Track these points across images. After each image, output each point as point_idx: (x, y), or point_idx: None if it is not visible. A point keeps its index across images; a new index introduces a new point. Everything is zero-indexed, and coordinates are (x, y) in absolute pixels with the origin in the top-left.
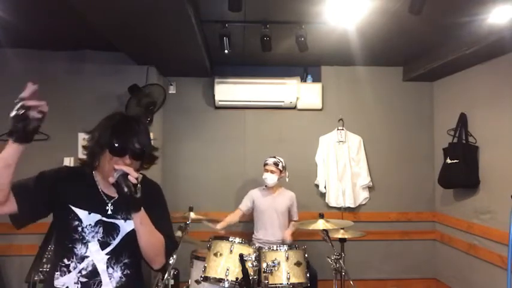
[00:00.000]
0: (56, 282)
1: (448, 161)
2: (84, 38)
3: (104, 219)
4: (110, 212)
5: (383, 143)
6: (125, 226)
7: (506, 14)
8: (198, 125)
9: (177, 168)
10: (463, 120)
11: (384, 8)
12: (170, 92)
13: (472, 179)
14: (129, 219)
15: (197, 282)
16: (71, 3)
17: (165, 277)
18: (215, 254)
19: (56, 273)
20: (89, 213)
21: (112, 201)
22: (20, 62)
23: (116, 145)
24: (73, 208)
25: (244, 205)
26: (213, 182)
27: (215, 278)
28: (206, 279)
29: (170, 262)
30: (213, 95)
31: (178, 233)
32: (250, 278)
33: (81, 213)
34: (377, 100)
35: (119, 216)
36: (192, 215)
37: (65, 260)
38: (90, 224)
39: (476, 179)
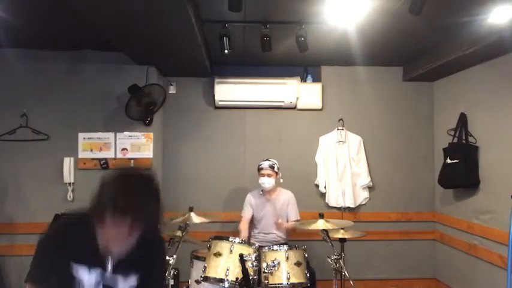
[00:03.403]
0: None
1: (448, 161)
2: (84, 38)
3: (105, 275)
4: (109, 268)
5: (383, 143)
6: (124, 284)
7: (506, 14)
8: (198, 125)
9: (177, 168)
10: (463, 120)
11: (384, 8)
12: (170, 92)
13: (472, 179)
14: (128, 276)
15: (197, 282)
16: (71, 3)
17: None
18: (215, 254)
19: None
20: (89, 272)
21: (111, 258)
22: (20, 62)
23: (116, 210)
24: (74, 273)
25: (247, 213)
26: (213, 182)
27: (215, 278)
28: (206, 279)
29: (170, 262)
30: (213, 95)
31: (178, 233)
32: (250, 278)
33: (82, 273)
34: (377, 100)
35: (119, 274)
36: (192, 215)
37: None
38: (91, 285)
39: (476, 179)
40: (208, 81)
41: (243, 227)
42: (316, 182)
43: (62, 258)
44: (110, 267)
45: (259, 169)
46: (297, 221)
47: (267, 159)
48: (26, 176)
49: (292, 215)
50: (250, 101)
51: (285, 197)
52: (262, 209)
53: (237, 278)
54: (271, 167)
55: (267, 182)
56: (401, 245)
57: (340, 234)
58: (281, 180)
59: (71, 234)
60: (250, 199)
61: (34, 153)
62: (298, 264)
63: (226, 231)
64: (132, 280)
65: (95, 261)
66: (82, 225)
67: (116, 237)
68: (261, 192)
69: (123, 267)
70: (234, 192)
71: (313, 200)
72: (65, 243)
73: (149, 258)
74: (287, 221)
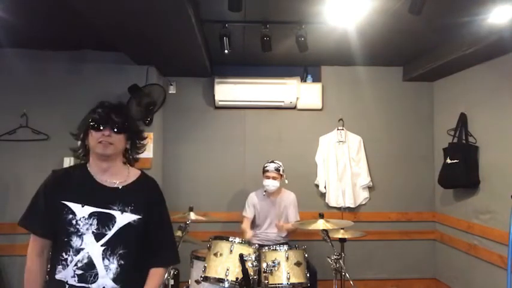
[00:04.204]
0: (58, 276)
1: (448, 161)
2: (84, 38)
3: (99, 210)
4: (104, 202)
5: (383, 143)
6: (121, 218)
7: (506, 14)
8: (198, 125)
9: (177, 168)
10: (463, 120)
11: (384, 8)
12: (170, 92)
13: (472, 179)
14: (126, 211)
15: (197, 282)
16: (71, 3)
17: (165, 277)
18: (215, 254)
19: (58, 266)
20: (82, 206)
21: (107, 191)
22: (20, 62)
23: (96, 117)
24: (66, 203)
25: (249, 212)
26: (213, 182)
27: (215, 278)
28: (206, 279)
29: None
30: (213, 95)
31: (178, 233)
32: (250, 278)
33: (74, 206)
34: (377, 100)
35: (116, 208)
36: (192, 215)
37: (63, 254)
38: (84, 217)
39: (476, 179)
40: (208, 81)
41: (247, 227)
42: (316, 182)
43: (53, 198)
44: (104, 201)
45: (265, 171)
46: (297, 221)
47: (273, 161)
48: (26, 176)
49: (291, 216)
50: (250, 101)
51: (288, 198)
52: (266, 210)
53: (237, 278)
54: (277, 170)
55: (272, 184)
56: (401, 245)
57: (340, 234)
58: (286, 182)
59: (58, 177)
60: (253, 199)
61: (34, 153)
62: (298, 264)
63: (226, 231)
64: (131, 216)
65: (88, 197)
66: (70, 168)
67: (105, 160)
68: (264, 193)
69: (120, 203)
70: (234, 192)
71: (313, 200)
72: (53, 185)
73: (148, 195)
74: (287, 222)
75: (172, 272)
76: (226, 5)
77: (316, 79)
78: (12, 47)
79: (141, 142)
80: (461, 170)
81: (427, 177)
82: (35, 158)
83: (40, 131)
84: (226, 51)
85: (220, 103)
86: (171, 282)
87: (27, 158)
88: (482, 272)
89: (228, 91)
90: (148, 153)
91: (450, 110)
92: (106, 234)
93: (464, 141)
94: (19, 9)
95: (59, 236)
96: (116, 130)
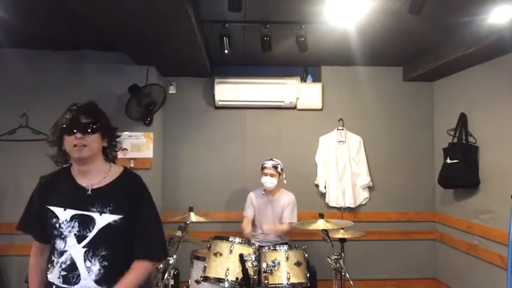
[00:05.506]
0: (49, 277)
1: (448, 161)
2: (84, 38)
3: (80, 212)
4: (84, 204)
5: (383, 143)
6: (100, 220)
7: (506, 14)
8: (198, 125)
9: (177, 168)
10: (463, 120)
11: (384, 8)
12: (170, 92)
13: (472, 179)
14: (104, 212)
15: (197, 282)
16: (71, 3)
17: (165, 277)
18: (215, 254)
19: (50, 268)
20: (64, 210)
21: (87, 193)
22: (20, 62)
23: (66, 121)
24: (50, 208)
25: (249, 212)
26: (213, 182)
27: (215, 278)
28: (206, 279)
29: (170, 262)
30: (213, 95)
31: (178, 233)
32: (250, 278)
33: (57, 210)
34: (377, 100)
35: (94, 209)
36: (192, 215)
37: (52, 256)
38: (66, 220)
39: (476, 179)
40: (208, 81)
41: (246, 226)
42: (316, 182)
43: (41, 204)
44: (84, 203)
45: (262, 168)
46: (291, 223)
47: (271, 159)
48: (26, 176)
49: (286, 216)
50: (250, 101)
51: (286, 199)
52: (264, 209)
53: (237, 278)
54: (275, 167)
55: (269, 181)
56: (401, 245)
57: (340, 234)
58: (284, 181)
59: (44, 184)
60: (252, 198)
61: (34, 153)
62: (298, 264)
63: (226, 231)
64: (111, 217)
65: (69, 201)
66: (56, 172)
67: (84, 163)
68: (263, 192)
69: (98, 204)
70: (234, 192)
71: (313, 200)
72: (39, 191)
73: (130, 193)
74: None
75: (172, 272)
76: (226, 5)
77: (316, 79)
78: (12, 47)
79: (116, 140)
80: (461, 170)
81: (427, 177)
82: (35, 158)
83: (40, 131)
84: (226, 51)
85: (220, 103)
86: (171, 282)
87: (27, 158)
88: (482, 272)
89: (228, 91)
90: (148, 153)
91: (450, 110)
92: (87, 236)
93: (464, 141)
94: (19, 9)
95: (48, 238)
96: (88, 131)
